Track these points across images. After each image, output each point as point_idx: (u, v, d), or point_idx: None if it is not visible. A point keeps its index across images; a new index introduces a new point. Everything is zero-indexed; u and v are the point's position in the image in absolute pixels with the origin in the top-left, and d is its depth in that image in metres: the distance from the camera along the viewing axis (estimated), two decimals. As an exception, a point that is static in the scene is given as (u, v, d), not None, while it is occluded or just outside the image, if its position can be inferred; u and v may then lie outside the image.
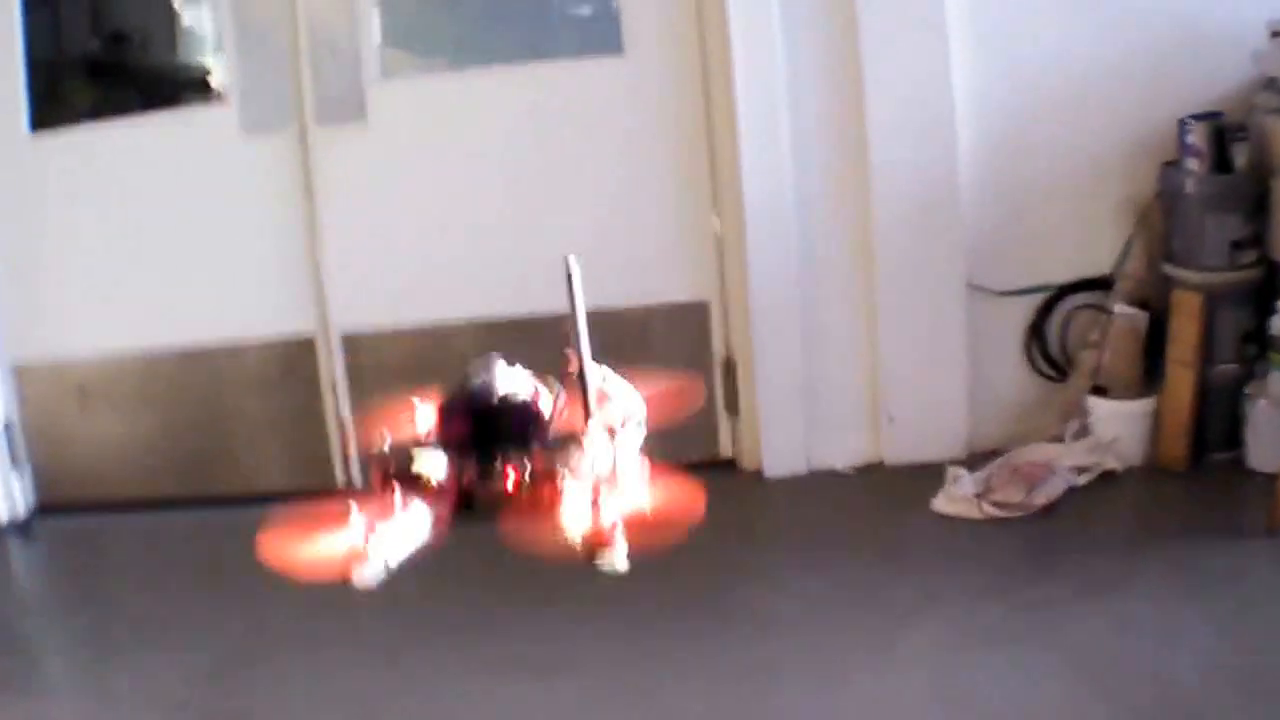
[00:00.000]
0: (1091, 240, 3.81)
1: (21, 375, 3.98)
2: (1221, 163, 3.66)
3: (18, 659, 3.23)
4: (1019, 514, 3.47)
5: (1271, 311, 3.59)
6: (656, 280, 3.81)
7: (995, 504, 3.50)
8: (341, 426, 3.96)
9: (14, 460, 3.95)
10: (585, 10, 4.01)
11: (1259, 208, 3.69)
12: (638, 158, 3.76)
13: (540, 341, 3.67)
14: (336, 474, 4.00)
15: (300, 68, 3.74)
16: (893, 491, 3.68)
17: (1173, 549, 3.26)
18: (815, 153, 3.67)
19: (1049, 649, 2.82)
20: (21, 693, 3.03)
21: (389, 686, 2.94)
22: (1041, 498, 3.51)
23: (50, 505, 4.01)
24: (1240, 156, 3.67)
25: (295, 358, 3.94)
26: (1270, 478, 3.34)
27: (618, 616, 3.05)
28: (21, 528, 3.93)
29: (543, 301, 3.70)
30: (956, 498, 3.54)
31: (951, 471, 3.62)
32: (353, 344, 3.91)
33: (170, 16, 4.22)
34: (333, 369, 3.93)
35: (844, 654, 2.89)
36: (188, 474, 4.02)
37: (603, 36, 3.79)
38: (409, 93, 3.82)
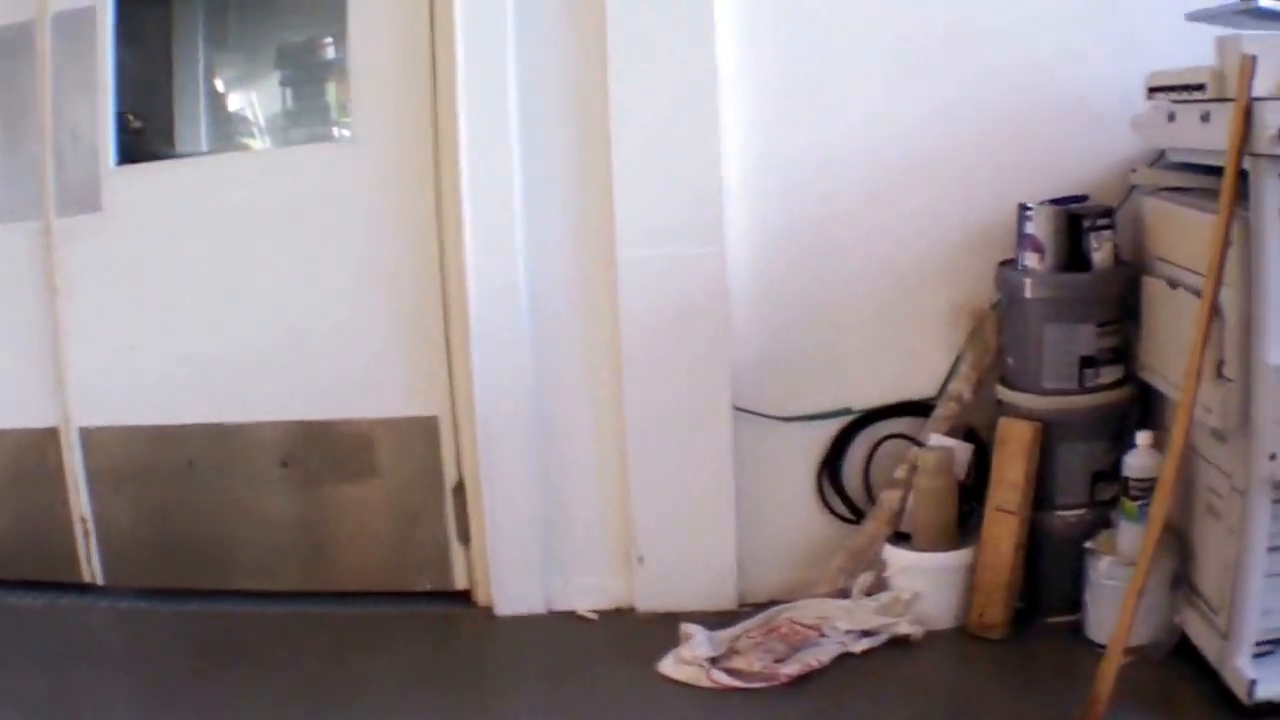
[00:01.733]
0: (911, 356, 3.17)
1: None
2: (1075, 258, 2.97)
3: None
4: (759, 685, 2.79)
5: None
6: (383, 390, 3.33)
7: (730, 671, 2.82)
8: (84, 523, 3.59)
9: None
10: (317, 96, 3.68)
11: (1125, 314, 2.98)
12: (366, 253, 3.32)
13: (264, 449, 3.40)
14: (82, 570, 3.63)
15: (45, 155, 3.47)
16: (634, 646, 3.03)
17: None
18: (553, 247, 3.16)
19: None
20: None
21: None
22: (794, 667, 2.83)
23: None
24: (1100, 250, 2.96)
25: (42, 451, 3.61)
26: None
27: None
28: None
29: (267, 409, 3.39)
30: (686, 660, 2.88)
31: (684, 629, 2.97)
32: (91, 440, 3.56)
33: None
34: (75, 465, 3.58)
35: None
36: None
37: (332, 122, 3.49)
38: (143, 182, 3.48)
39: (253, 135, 3.69)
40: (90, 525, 3.60)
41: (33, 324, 3.53)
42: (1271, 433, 2.44)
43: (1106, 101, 3.03)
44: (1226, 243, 2.49)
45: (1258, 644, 2.55)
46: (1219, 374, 2.56)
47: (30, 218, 3.51)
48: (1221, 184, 2.46)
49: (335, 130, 3.44)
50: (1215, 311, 2.54)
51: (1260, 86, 2.40)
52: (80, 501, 3.59)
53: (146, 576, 3.59)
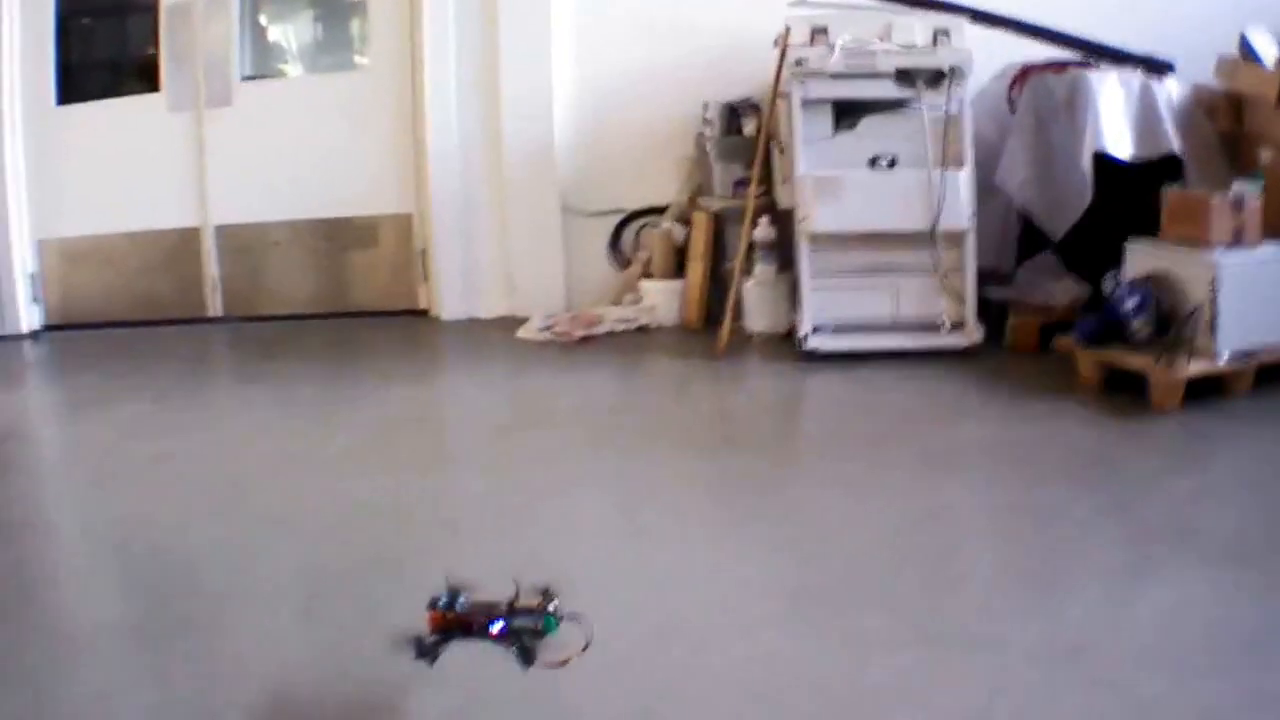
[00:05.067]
0: (655, 182, 6.01)
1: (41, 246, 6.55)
2: (735, 129, 5.74)
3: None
4: (563, 339, 5.61)
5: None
6: (384, 201, 6.20)
7: (549, 332, 5.66)
8: (213, 280, 6.41)
9: (34, 297, 6.50)
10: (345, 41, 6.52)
11: (767, 159, 5.73)
12: (380, 130, 6.16)
13: (317, 233, 6.29)
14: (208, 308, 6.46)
15: (197, 69, 6.22)
16: (508, 327, 5.88)
17: (656, 363, 5.39)
18: (472, 128, 6.02)
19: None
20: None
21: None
22: (580, 332, 5.65)
23: (53, 325, 6.52)
24: (748, 126, 5.73)
25: (190, 240, 6.39)
26: (761, 335, 5.47)
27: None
28: (35, 335, 6.47)
29: (321, 210, 6.28)
30: (531, 329, 5.72)
31: (534, 316, 5.80)
32: (220, 233, 6.35)
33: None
34: (210, 247, 6.39)
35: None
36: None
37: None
38: (255, 89, 6.26)
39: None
40: (217, 281, 6.38)
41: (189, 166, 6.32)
42: (802, 207, 5.21)
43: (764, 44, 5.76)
44: (773, 120, 5.32)
45: (814, 326, 5.34)
46: (785, 180, 5.37)
47: (190, 108, 6.20)
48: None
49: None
50: (783, 151, 5.35)
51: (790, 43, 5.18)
52: (211, 267, 6.35)
53: (246, 309, 6.38)
